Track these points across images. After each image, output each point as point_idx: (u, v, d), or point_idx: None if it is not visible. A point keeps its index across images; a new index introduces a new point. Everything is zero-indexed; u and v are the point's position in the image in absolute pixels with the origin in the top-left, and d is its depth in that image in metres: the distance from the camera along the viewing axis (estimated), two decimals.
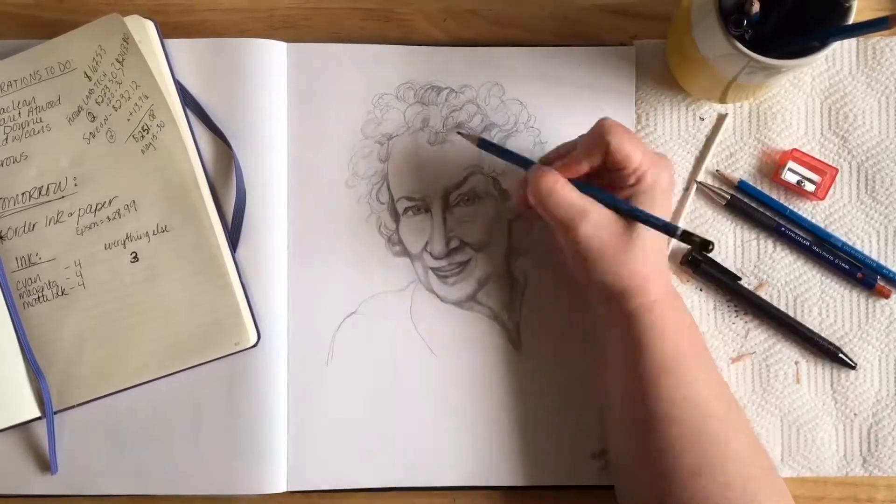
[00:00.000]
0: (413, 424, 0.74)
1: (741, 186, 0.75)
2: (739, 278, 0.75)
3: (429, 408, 0.74)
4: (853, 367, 0.74)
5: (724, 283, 0.74)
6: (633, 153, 0.63)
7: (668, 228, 0.64)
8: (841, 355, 0.74)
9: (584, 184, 0.66)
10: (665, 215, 0.65)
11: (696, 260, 0.74)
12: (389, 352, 0.74)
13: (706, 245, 0.61)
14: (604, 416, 0.73)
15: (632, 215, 0.64)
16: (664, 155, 0.67)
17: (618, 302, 0.66)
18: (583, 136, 0.66)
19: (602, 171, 0.66)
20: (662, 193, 0.65)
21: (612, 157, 0.64)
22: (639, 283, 0.65)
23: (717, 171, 0.75)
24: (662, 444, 0.64)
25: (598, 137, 0.64)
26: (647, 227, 0.64)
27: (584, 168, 0.65)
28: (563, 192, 0.64)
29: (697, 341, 0.68)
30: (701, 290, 0.75)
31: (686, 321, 0.68)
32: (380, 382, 0.74)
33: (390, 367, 0.74)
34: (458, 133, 0.73)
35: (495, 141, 0.74)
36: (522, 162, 0.69)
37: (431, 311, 0.74)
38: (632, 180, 0.65)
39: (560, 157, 0.67)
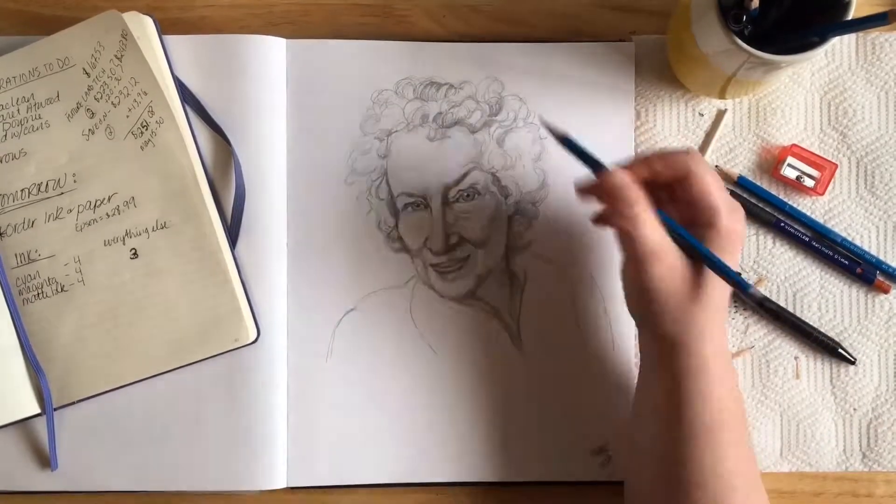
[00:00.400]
0: (413, 420, 0.74)
1: (740, 182, 0.75)
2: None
3: (428, 404, 0.74)
4: (853, 363, 0.74)
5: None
6: (711, 188, 0.62)
7: (741, 285, 0.60)
8: (840, 350, 0.74)
9: (668, 217, 0.63)
10: (733, 266, 0.62)
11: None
12: (389, 348, 0.74)
13: (778, 314, 0.60)
14: (627, 446, 0.72)
15: (707, 261, 0.61)
16: (739, 204, 0.65)
17: (670, 353, 0.63)
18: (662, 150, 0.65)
19: (680, 206, 0.64)
20: (734, 243, 0.63)
21: (690, 186, 0.62)
22: (696, 340, 0.62)
23: (716, 166, 0.75)
24: None
25: (680, 159, 0.63)
26: (716, 278, 0.62)
27: (646, 172, 0.63)
28: (649, 221, 0.61)
29: (739, 409, 0.65)
30: None
31: (731, 386, 0.65)
32: (379, 378, 0.74)
33: (390, 363, 0.74)
34: (543, 123, 0.72)
35: (494, 137, 0.74)
36: (600, 167, 0.64)
37: (431, 308, 0.74)
38: (704, 218, 0.62)
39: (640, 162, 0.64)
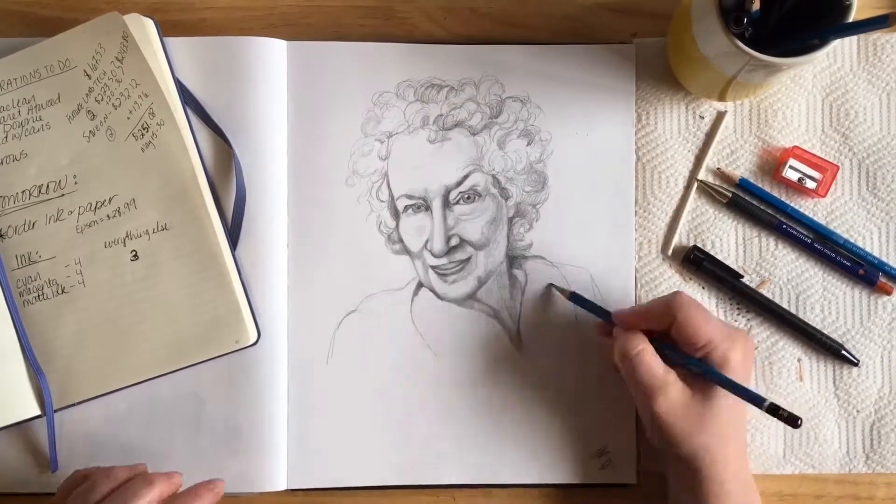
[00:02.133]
0: (413, 422, 0.74)
1: (742, 184, 0.75)
2: (741, 276, 0.74)
3: (429, 406, 0.74)
4: (856, 364, 0.74)
5: (726, 281, 0.74)
6: (699, 331, 0.66)
7: (755, 399, 0.64)
8: (843, 352, 0.74)
9: (672, 346, 0.68)
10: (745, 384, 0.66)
11: (698, 258, 0.74)
12: (389, 350, 0.74)
13: (794, 421, 0.61)
14: None
15: (718, 382, 0.65)
16: (741, 330, 0.69)
17: (692, 475, 0.67)
18: (656, 298, 0.70)
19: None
20: (734, 370, 0.66)
21: (678, 330, 0.66)
22: (711, 465, 0.66)
23: (717, 169, 0.75)
24: None
25: (668, 309, 0.67)
26: (725, 398, 0.66)
27: (645, 327, 0.68)
28: (647, 360, 0.66)
29: None
30: (703, 287, 0.75)
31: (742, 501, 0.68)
32: (380, 380, 0.74)
33: (390, 365, 0.74)
34: (552, 288, 0.75)
35: (494, 140, 0.74)
36: (606, 315, 0.71)
37: (431, 310, 0.74)
38: (699, 354, 0.66)
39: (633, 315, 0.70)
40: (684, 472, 0.68)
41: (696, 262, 0.74)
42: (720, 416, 0.66)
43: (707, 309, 0.69)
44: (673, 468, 0.70)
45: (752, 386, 0.71)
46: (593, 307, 0.72)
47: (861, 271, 0.74)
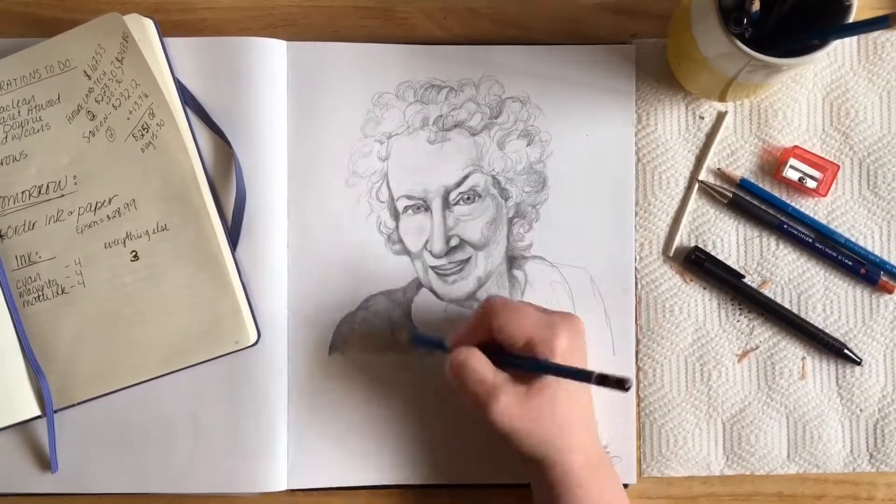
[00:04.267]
0: (413, 423, 0.74)
1: (743, 184, 0.75)
2: (743, 276, 0.74)
3: (429, 406, 0.74)
4: (858, 363, 0.74)
5: (727, 281, 0.74)
6: (516, 331, 0.64)
7: (582, 376, 0.62)
8: (846, 351, 0.74)
9: (498, 350, 0.66)
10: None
11: (699, 259, 0.74)
12: (389, 350, 0.74)
13: (622, 383, 0.58)
14: None
15: (545, 370, 0.64)
16: (564, 314, 0.66)
17: (544, 471, 0.66)
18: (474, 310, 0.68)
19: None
20: (560, 358, 0.64)
21: (498, 334, 0.65)
22: (561, 454, 0.65)
23: (718, 169, 0.75)
24: None
25: (484, 317, 0.65)
26: (559, 387, 0.64)
27: (472, 342, 0.66)
28: (473, 368, 0.64)
29: None
30: (705, 288, 0.75)
31: (606, 494, 0.67)
32: (380, 381, 0.74)
33: (390, 365, 0.74)
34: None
35: (494, 140, 0.74)
36: (442, 346, 0.68)
37: (431, 310, 0.74)
38: (525, 352, 0.64)
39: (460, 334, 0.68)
40: (536, 473, 0.67)
41: (698, 263, 0.74)
42: (558, 406, 0.64)
43: (523, 304, 0.67)
44: (529, 473, 0.69)
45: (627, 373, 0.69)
46: (431, 344, 0.69)
47: (862, 270, 0.74)
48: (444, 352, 0.67)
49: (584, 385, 0.65)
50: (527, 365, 0.64)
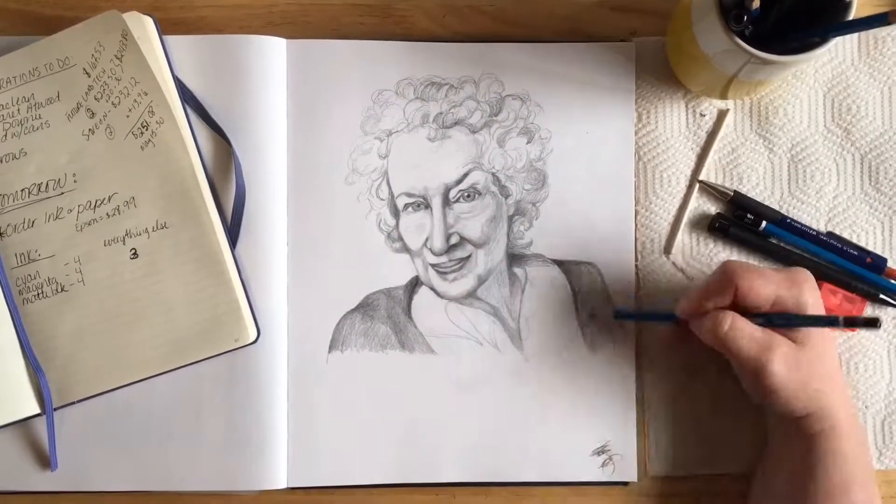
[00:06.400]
0: (413, 420, 0.74)
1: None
2: (769, 235, 0.75)
3: (428, 403, 0.74)
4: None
5: (753, 245, 0.75)
6: (762, 291, 0.65)
7: (829, 322, 0.63)
8: (883, 296, 0.74)
9: (755, 314, 0.66)
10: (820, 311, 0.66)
11: (724, 226, 0.74)
12: (389, 348, 0.74)
13: (874, 322, 0.59)
14: None
15: (798, 323, 0.65)
16: (797, 270, 0.67)
17: (797, 425, 0.67)
18: (709, 276, 0.68)
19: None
20: (813, 311, 0.65)
21: (743, 297, 0.65)
22: (820, 407, 0.66)
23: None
24: None
25: (725, 282, 0.66)
26: (820, 339, 0.65)
27: (709, 308, 0.67)
28: (742, 329, 0.65)
29: (867, 469, 0.68)
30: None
31: (859, 445, 0.68)
32: (380, 379, 0.74)
33: (390, 363, 0.74)
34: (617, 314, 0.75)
35: (494, 138, 0.74)
36: (664, 318, 0.72)
37: (431, 308, 0.74)
38: (773, 311, 0.65)
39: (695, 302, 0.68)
40: (796, 421, 0.67)
41: (723, 230, 0.74)
42: (826, 360, 0.66)
43: (756, 264, 0.69)
44: (780, 420, 0.69)
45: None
46: (653, 316, 0.72)
47: (868, 259, 0.74)
48: (673, 322, 0.70)
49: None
50: (786, 322, 0.65)
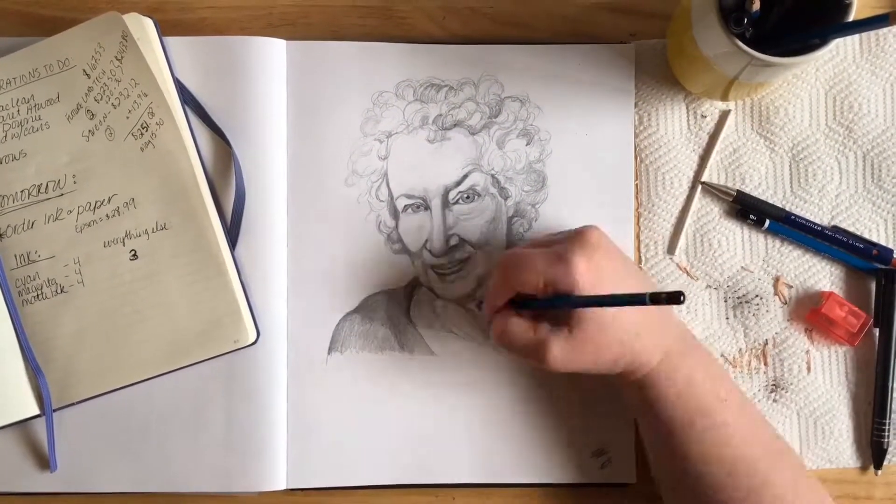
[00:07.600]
0: (412, 422, 0.74)
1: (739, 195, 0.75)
2: (774, 233, 0.75)
3: (428, 405, 0.74)
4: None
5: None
6: (529, 278, 0.64)
7: (633, 301, 0.58)
8: None
9: (533, 298, 0.65)
10: (630, 286, 0.64)
11: (744, 212, 0.75)
12: (388, 350, 0.74)
13: (677, 296, 0.54)
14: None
15: (593, 303, 0.62)
16: (575, 234, 0.65)
17: (621, 380, 0.68)
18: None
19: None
20: (585, 286, 0.62)
21: (522, 289, 0.65)
22: (627, 363, 0.65)
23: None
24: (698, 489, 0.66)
25: (500, 278, 0.66)
26: (592, 317, 0.63)
27: (501, 303, 0.67)
28: (512, 331, 0.65)
29: (707, 397, 0.66)
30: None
31: (685, 383, 0.66)
32: (379, 380, 0.74)
33: (389, 364, 0.74)
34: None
35: (493, 139, 0.74)
36: (560, 304, 0.66)
37: (431, 309, 0.74)
38: (550, 293, 0.64)
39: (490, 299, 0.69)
40: (621, 383, 0.68)
41: (743, 215, 0.75)
42: (610, 328, 0.63)
43: (527, 249, 0.66)
44: (616, 384, 0.70)
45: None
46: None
47: (874, 251, 0.74)
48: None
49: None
50: (571, 303, 0.63)
